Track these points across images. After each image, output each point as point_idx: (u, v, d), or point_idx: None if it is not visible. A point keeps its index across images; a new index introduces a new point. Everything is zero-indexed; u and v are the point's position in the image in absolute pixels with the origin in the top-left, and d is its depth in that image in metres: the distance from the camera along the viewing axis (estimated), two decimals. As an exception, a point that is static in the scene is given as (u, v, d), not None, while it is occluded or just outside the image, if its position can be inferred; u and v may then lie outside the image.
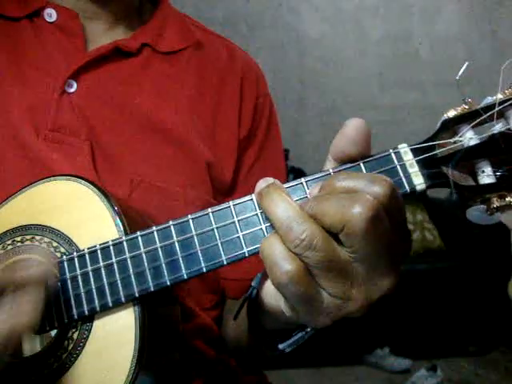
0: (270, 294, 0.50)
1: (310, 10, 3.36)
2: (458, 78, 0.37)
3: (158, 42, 0.76)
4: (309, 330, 0.52)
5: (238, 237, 0.48)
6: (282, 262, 0.42)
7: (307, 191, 0.46)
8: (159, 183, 0.70)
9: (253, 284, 0.56)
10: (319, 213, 0.41)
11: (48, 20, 0.72)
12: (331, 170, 0.46)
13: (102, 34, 0.75)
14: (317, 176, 0.47)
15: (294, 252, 0.42)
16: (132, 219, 0.57)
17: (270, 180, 0.46)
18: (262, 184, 0.46)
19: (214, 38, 0.85)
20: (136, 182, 0.69)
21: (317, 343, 0.61)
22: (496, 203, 0.39)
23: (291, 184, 0.47)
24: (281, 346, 0.55)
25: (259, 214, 0.48)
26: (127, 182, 0.69)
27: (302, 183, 0.47)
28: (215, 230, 0.49)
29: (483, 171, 0.39)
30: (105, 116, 0.71)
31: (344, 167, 0.46)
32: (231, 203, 0.49)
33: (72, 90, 0.70)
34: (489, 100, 0.41)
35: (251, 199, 0.48)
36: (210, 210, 0.50)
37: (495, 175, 0.39)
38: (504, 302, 2.38)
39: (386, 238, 0.41)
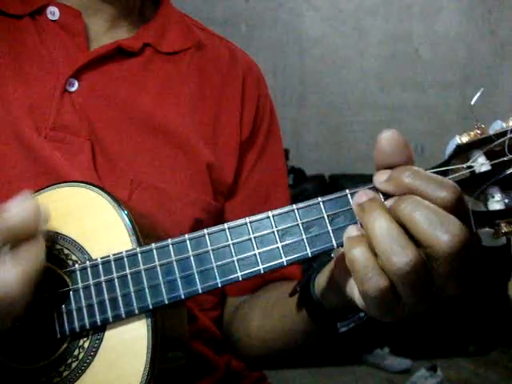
0: (349, 286, 0.50)
1: (309, 10, 3.36)
2: (473, 103, 0.38)
3: (160, 42, 0.76)
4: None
5: (254, 254, 0.49)
6: (375, 277, 0.43)
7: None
8: (159, 184, 0.71)
9: (314, 265, 0.57)
10: (414, 231, 0.43)
11: (50, 18, 0.72)
12: (348, 191, 0.47)
13: (104, 33, 0.75)
14: (333, 197, 0.48)
15: (387, 269, 0.43)
16: (140, 224, 0.57)
17: (371, 194, 0.46)
18: (362, 197, 0.46)
19: (215, 39, 0.85)
20: (136, 183, 0.69)
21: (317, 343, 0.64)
22: (504, 229, 0.40)
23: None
24: (339, 325, 0.57)
25: (275, 232, 0.48)
26: (127, 183, 0.69)
27: (319, 203, 0.48)
28: (231, 246, 0.50)
29: (493, 197, 0.40)
30: (106, 115, 0.71)
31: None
32: (247, 220, 0.49)
33: (73, 89, 0.70)
34: (498, 124, 0.41)
35: (268, 217, 0.49)
36: (226, 225, 0.50)
37: (504, 202, 0.40)
38: (504, 302, 2.39)
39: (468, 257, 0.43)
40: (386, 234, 0.43)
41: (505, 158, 0.38)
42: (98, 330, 0.54)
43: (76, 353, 0.54)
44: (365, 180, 0.48)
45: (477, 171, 0.41)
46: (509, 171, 0.38)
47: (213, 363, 0.75)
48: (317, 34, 3.39)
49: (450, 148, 0.42)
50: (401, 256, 0.42)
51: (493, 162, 0.39)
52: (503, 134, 0.39)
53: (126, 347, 0.53)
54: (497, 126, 0.41)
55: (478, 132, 0.41)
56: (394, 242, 0.42)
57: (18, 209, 0.48)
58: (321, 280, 0.58)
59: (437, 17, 3.43)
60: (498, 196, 0.40)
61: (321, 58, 3.39)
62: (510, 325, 2.60)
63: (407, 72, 3.42)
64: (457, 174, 0.41)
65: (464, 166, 0.41)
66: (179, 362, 0.60)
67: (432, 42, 3.42)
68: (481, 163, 0.40)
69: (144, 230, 0.56)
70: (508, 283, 2.29)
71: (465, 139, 0.41)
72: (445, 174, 0.42)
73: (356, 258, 0.44)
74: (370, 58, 3.41)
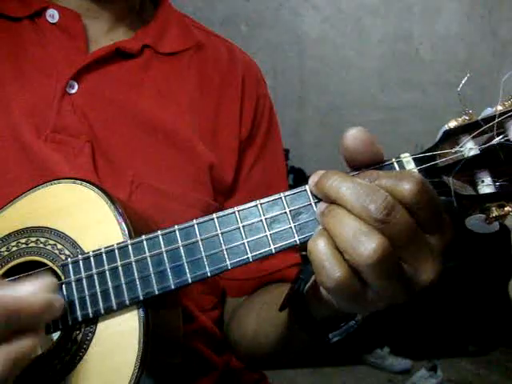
0: None
1: (309, 10, 3.36)
2: (458, 89, 0.38)
3: (159, 43, 0.77)
4: (358, 319, 0.54)
5: (243, 243, 0.49)
6: (330, 267, 0.43)
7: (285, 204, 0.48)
8: (159, 185, 0.71)
9: (301, 276, 0.56)
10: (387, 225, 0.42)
11: (50, 21, 0.72)
12: (307, 187, 0.48)
13: (104, 35, 0.75)
14: (295, 191, 0.48)
15: (348, 260, 0.42)
16: (135, 222, 0.57)
17: (324, 205, 0.46)
18: (322, 207, 0.46)
19: (215, 39, 0.85)
20: (136, 184, 0.70)
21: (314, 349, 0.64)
22: (495, 212, 0.40)
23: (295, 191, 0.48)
24: (331, 335, 0.56)
25: (263, 221, 0.49)
26: (127, 184, 0.69)
27: (305, 190, 0.48)
28: (220, 236, 0.50)
29: (483, 181, 0.40)
30: (106, 117, 0.71)
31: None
32: (236, 209, 0.50)
33: (73, 91, 0.71)
34: (488, 111, 0.41)
35: (256, 205, 0.49)
36: (214, 215, 0.50)
37: (495, 185, 0.40)
38: (504, 302, 2.38)
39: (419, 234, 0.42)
40: (348, 232, 0.42)
41: (493, 142, 0.38)
42: (91, 322, 0.54)
43: (69, 346, 0.54)
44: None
45: (465, 155, 0.41)
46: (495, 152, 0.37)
47: (212, 363, 0.75)
48: (317, 34, 3.39)
49: (439, 134, 0.42)
50: (367, 244, 0.41)
51: (481, 146, 0.39)
52: (491, 118, 0.39)
53: (119, 339, 0.53)
54: (487, 113, 0.41)
55: (467, 118, 0.41)
56: (357, 233, 0.42)
57: (29, 293, 0.45)
58: (309, 291, 0.57)
59: (437, 17, 3.43)
60: (488, 180, 0.40)
61: (321, 58, 3.39)
62: (510, 325, 2.60)
63: (407, 72, 3.42)
64: (445, 159, 0.41)
65: (452, 150, 0.41)
66: (174, 359, 0.60)
67: (432, 41, 3.42)
68: (469, 148, 0.40)
69: (139, 230, 0.56)
70: (508, 283, 2.28)
71: (453, 124, 0.41)
72: (433, 158, 0.42)
73: (312, 248, 0.44)
74: (370, 58, 3.41)
